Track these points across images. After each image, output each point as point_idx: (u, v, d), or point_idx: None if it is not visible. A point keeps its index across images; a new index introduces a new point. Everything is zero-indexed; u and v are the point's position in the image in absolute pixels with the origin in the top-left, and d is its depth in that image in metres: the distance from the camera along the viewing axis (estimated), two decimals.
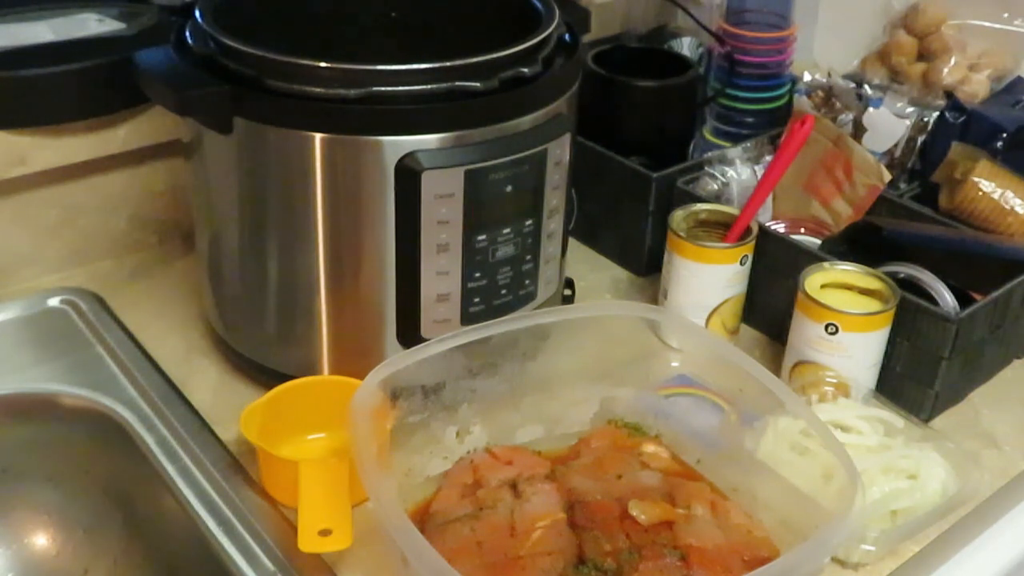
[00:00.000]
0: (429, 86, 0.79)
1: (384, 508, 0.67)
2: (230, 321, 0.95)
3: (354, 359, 0.89)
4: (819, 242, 1.07)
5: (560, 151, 0.87)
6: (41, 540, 0.94)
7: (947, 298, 0.95)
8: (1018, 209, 1.05)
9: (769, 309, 1.05)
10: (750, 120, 1.25)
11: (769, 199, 1.12)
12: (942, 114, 1.16)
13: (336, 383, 0.88)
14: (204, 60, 0.82)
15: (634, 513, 0.76)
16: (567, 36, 0.92)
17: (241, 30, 0.82)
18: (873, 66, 1.35)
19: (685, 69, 1.21)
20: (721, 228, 1.03)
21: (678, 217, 1.03)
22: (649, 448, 0.85)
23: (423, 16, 1.00)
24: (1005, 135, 1.12)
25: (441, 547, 0.72)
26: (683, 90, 1.21)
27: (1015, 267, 0.98)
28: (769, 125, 1.23)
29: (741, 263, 1.01)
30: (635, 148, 1.15)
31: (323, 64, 0.78)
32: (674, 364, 0.94)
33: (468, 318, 0.87)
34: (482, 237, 0.84)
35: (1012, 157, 1.10)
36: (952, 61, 1.30)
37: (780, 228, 1.11)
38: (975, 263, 1.02)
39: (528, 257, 0.88)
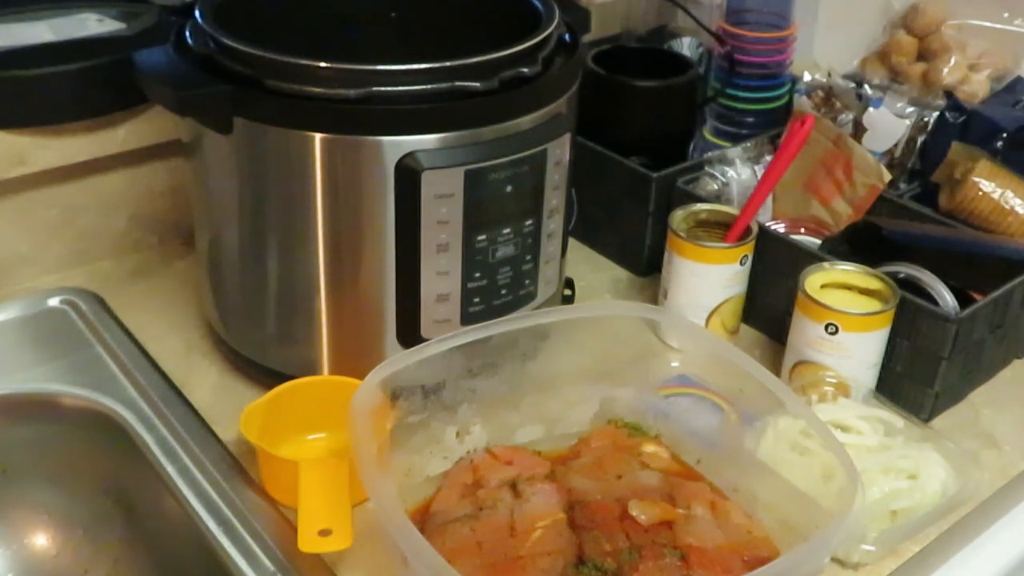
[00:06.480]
0: (429, 86, 0.79)
1: (384, 508, 0.67)
2: (230, 321, 0.95)
3: (354, 359, 0.89)
4: (819, 242, 1.07)
5: (560, 151, 0.87)
6: (41, 540, 0.94)
7: (947, 298, 0.95)
8: (1018, 209, 1.05)
9: (769, 309, 1.04)
10: (750, 120, 1.25)
11: (769, 199, 1.12)
12: (942, 114, 1.16)
13: (336, 383, 0.88)
14: (204, 60, 0.82)
15: (634, 513, 0.76)
16: (567, 36, 0.92)
17: (241, 30, 0.82)
18: (873, 66, 1.35)
19: (685, 69, 1.21)
20: (721, 228, 1.03)
21: (678, 217, 1.03)
22: (649, 448, 0.85)
23: (423, 16, 1.00)
24: (1005, 135, 1.12)
25: (441, 547, 0.72)
26: (683, 90, 1.21)
27: (1015, 267, 0.98)
28: (769, 125, 1.23)
29: (741, 263, 1.01)
30: (635, 148, 1.15)
31: (323, 64, 0.78)
32: (674, 364, 0.94)
33: (468, 318, 0.87)
34: (482, 237, 0.84)
35: (1012, 157, 1.10)
36: (952, 61, 1.30)
37: (780, 228, 1.11)
38: (975, 263, 1.02)
39: (528, 257, 0.88)
